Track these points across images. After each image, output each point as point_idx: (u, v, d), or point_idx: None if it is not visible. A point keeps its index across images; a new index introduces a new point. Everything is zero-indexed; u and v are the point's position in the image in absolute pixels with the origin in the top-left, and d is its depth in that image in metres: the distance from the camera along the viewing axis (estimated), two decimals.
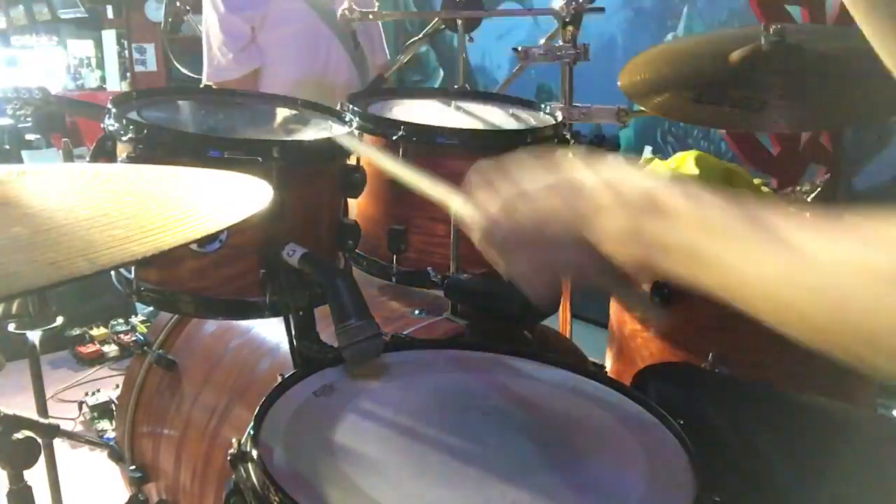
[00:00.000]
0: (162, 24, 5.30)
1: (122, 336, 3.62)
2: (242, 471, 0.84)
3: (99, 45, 5.69)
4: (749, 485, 1.03)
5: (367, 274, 1.51)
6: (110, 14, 5.63)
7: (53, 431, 1.28)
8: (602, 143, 4.83)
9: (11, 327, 1.61)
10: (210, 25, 2.32)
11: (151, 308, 1.62)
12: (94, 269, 0.58)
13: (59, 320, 1.65)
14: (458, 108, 1.68)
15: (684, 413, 0.98)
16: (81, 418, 3.00)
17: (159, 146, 1.19)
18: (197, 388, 1.49)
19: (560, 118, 1.60)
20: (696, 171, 1.56)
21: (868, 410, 1.53)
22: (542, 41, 1.98)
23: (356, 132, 1.35)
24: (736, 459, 1.06)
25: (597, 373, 1.13)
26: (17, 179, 0.82)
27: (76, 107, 2.85)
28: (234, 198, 0.84)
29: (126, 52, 5.55)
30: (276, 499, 0.78)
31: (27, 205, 0.75)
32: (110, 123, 1.22)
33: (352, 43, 2.38)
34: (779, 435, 1.09)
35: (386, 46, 2.65)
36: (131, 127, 1.19)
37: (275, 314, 1.25)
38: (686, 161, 1.60)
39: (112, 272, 1.30)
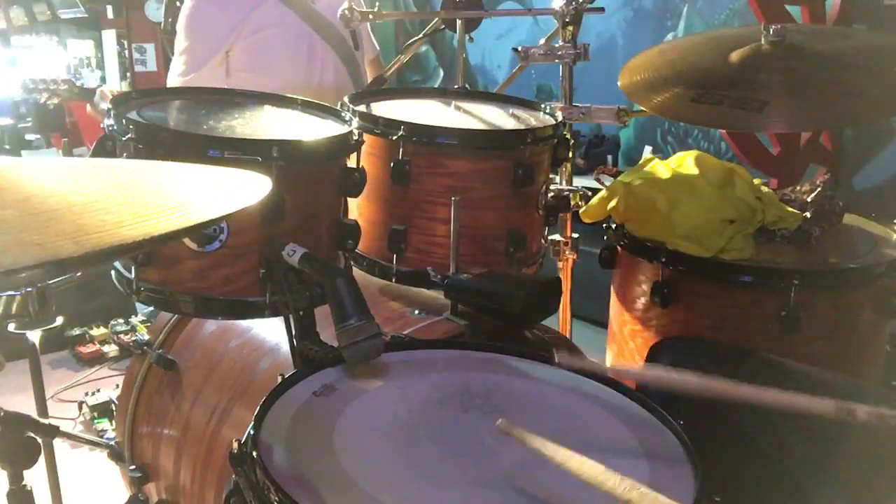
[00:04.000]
0: (162, 24, 5.32)
1: (122, 336, 3.62)
2: (242, 471, 0.84)
3: (99, 45, 5.71)
4: (757, 455, 1.03)
5: (367, 274, 1.51)
6: (110, 14, 5.64)
7: (53, 431, 1.28)
8: (602, 143, 4.81)
9: (11, 327, 1.61)
10: (178, 41, 2.30)
11: (151, 308, 1.62)
12: (81, 252, 0.57)
13: (59, 320, 1.65)
14: (458, 108, 1.68)
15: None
16: (81, 418, 3.00)
17: (159, 146, 1.19)
18: (197, 388, 1.49)
19: (560, 118, 1.60)
20: (696, 171, 1.56)
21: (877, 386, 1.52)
22: (542, 41, 1.98)
23: (356, 132, 1.36)
24: (744, 430, 1.07)
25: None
26: (16, 168, 0.82)
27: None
28: (231, 190, 0.83)
29: (126, 52, 5.56)
30: (276, 499, 0.78)
31: (21, 190, 0.74)
32: (110, 123, 1.23)
33: (345, 43, 2.35)
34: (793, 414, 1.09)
35: (374, 39, 2.64)
36: (131, 127, 1.19)
37: (275, 314, 1.25)
38: (686, 161, 1.60)
39: (112, 272, 1.30)
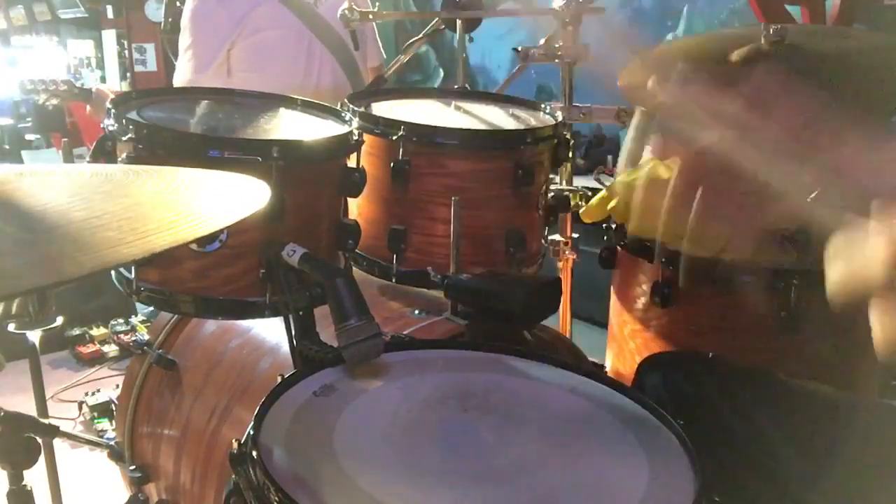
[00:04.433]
0: (162, 24, 5.31)
1: (122, 336, 3.62)
2: (242, 471, 0.84)
3: (99, 45, 5.70)
4: (753, 469, 1.03)
5: (367, 274, 1.51)
6: (110, 14, 5.63)
7: (53, 431, 1.28)
8: (602, 143, 4.80)
9: (11, 327, 1.61)
10: (183, 38, 2.31)
11: (151, 308, 1.62)
12: (81, 273, 0.58)
13: (59, 320, 1.65)
14: (458, 108, 1.68)
15: (689, 399, 0.98)
16: (81, 418, 3.00)
17: (159, 146, 1.19)
18: (197, 388, 1.49)
19: (560, 118, 1.60)
20: None
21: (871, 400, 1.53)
22: (542, 41, 1.98)
23: (356, 132, 1.35)
24: (740, 444, 1.07)
25: (597, 373, 1.13)
26: (15, 180, 0.82)
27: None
28: (231, 199, 0.83)
29: (126, 52, 5.56)
30: (276, 499, 0.78)
31: (21, 205, 0.74)
32: (110, 124, 1.22)
33: (343, 45, 2.36)
34: (782, 420, 1.09)
35: (381, 47, 2.64)
36: (131, 127, 1.19)
37: (275, 314, 1.25)
38: None
39: (112, 272, 1.30)
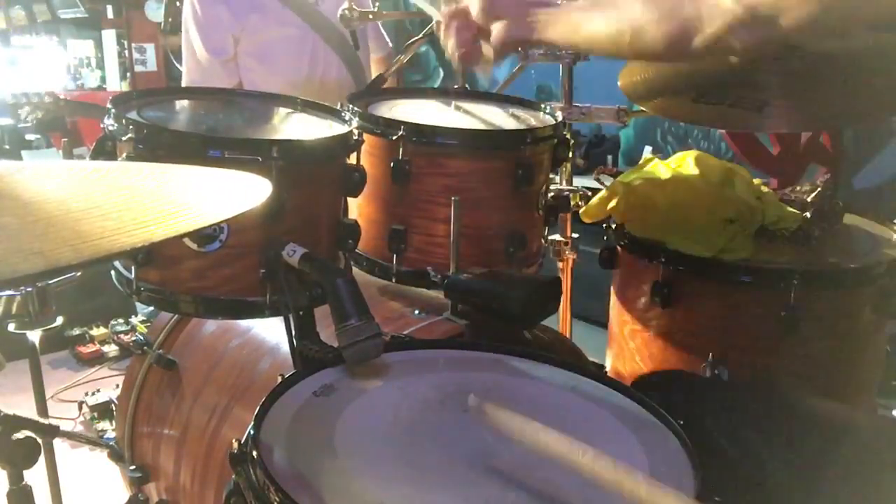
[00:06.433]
0: (162, 24, 5.31)
1: (122, 336, 3.62)
2: (242, 471, 0.84)
3: (99, 45, 5.70)
4: (748, 491, 1.03)
5: (367, 274, 1.51)
6: (110, 14, 5.63)
7: (53, 431, 1.28)
8: (602, 143, 4.79)
9: (11, 327, 1.61)
10: (186, 36, 2.31)
11: (151, 308, 1.62)
12: (79, 260, 0.58)
13: (59, 320, 1.65)
14: (458, 108, 1.68)
15: (682, 418, 0.98)
16: (81, 418, 3.00)
17: (159, 146, 1.19)
18: (197, 388, 1.49)
19: (560, 118, 1.60)
20: (696, 171, 1.56)
21: (868, 411, 1.53)
22: None
23: (356, 132, 1.35)
24: (735, 466, 1.07)
25: (597, 373, 1.13)
26: (15, 173, 0.82)
27: (87, 109, 2.82)
28: (230, 194, 0.83)
29: (126, 52, 5.56)
30: (276, 499, 0.78)
31: (21, 196, 0.74)
32: (110, 123, 1.22)
33: (346, 43, 2.36)
34: (777, 440, 1.09)
35: (386, 37, 2.65)
36: (131, 127, 1.19)
37: (275, 314, 1.25)
38: (686, 161, 1.60)
39: (112, 272, 1.30)
